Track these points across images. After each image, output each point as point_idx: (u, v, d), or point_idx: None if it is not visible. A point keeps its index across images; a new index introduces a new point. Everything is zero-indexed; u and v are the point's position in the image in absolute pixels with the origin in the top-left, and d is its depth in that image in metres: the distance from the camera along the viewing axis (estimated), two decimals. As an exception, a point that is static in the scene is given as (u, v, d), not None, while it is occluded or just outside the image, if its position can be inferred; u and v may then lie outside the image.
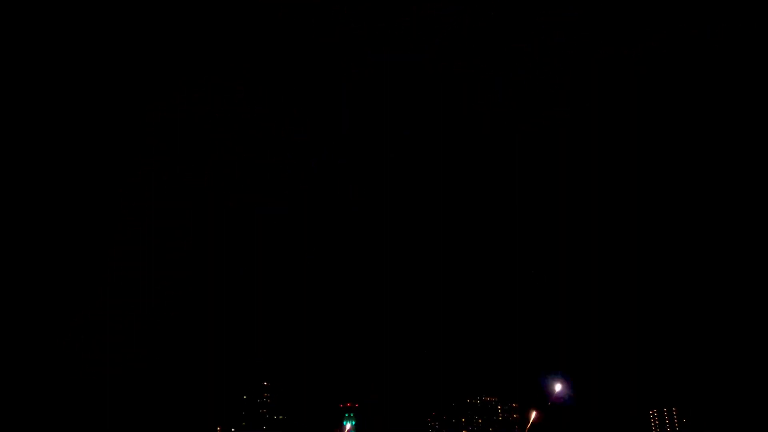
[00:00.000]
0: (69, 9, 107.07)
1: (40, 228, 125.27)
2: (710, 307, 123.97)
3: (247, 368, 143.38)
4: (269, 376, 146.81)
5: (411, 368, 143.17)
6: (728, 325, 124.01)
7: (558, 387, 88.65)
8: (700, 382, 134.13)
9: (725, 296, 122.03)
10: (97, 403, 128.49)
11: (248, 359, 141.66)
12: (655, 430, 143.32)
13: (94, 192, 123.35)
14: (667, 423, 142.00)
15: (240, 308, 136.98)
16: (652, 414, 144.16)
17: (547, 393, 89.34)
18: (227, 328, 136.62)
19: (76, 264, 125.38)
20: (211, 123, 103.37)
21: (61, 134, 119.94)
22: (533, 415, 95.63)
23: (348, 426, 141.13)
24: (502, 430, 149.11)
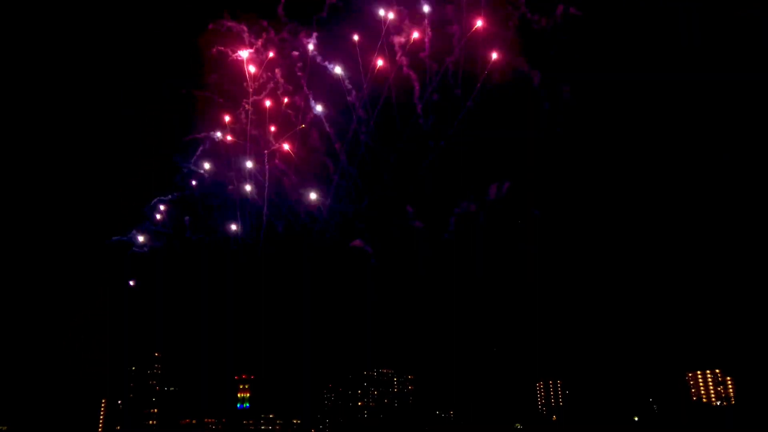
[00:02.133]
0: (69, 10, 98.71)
1: (40, 228, 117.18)
2: (591, 293, 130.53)
3: (136, 338, 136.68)
4: (160, 346, 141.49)
5: (308, 340, 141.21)
6: (607, 309, 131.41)
7: None
8: (582, 358, 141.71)
9: (606, 285, 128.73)
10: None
11: (139, 329, 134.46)
12: (541, 400, 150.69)
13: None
14: (552, 394, 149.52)
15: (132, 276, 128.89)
16: (539, 386, 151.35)
17: None
18: (118, 296, 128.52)
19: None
20: (210, 122, 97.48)
21: (62, 135, 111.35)
22: None
23: None
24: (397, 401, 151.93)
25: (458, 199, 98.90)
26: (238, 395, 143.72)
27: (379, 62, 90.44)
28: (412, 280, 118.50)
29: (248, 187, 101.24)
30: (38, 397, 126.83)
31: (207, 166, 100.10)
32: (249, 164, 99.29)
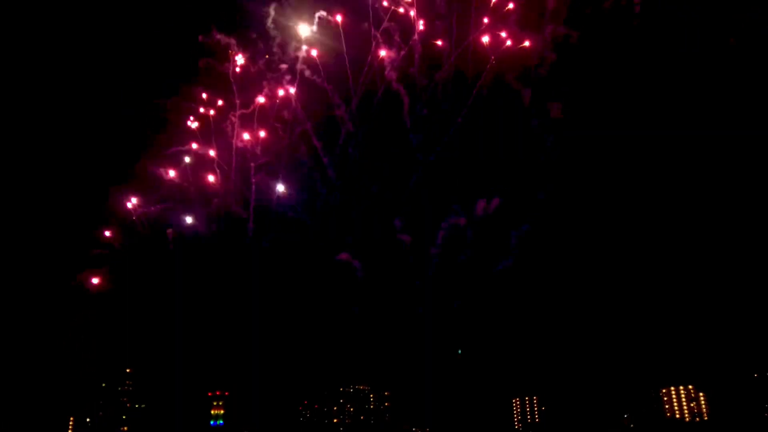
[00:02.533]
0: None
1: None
2: (566, 308, 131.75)
3: (107, 353, 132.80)
4: (132, 362, 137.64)
5: (282, 356, 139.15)
6: (582, 324, 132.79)
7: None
8: (557, 375, 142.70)
9: (581, 300, 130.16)
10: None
11: (110, 343, 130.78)
12: (517, 417, 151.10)
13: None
14: (528, 410, 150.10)
15: (101, 288, 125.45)
16: (515, 402, 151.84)
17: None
18: (86, 309, 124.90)
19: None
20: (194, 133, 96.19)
21: (60, 134, 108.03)
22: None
23: None
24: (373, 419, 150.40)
25: (446, 214, 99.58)
26: (212, 412, 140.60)
27: (371, 69, 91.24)
28: (396, 293, 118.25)
29: (211, 178, 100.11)
30: (2, 414, 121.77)
31: (191, 177, 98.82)
32: (212, 153, 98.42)
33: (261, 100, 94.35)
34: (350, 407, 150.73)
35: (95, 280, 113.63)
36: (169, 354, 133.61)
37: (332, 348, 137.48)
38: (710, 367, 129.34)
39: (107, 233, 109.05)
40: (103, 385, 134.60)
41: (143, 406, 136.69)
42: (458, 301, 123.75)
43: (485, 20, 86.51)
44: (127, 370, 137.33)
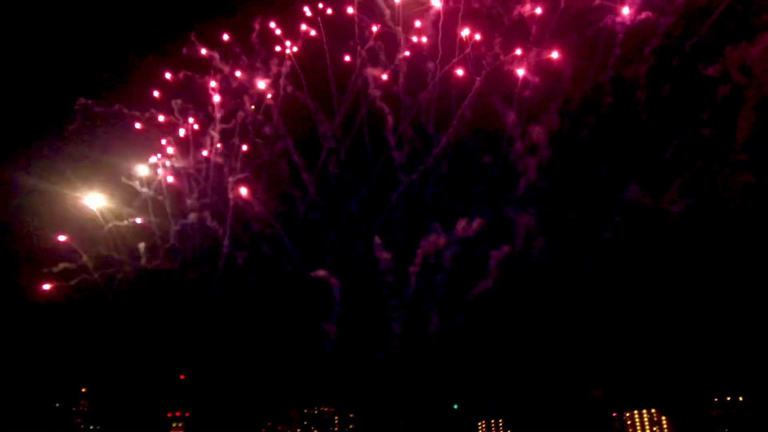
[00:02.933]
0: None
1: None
2: (530, 331, 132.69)
3: (61, 372, 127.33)
4: (87, 381, 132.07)
5: (245, 377, 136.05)
6: (546, 347, 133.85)
7: None
8: (523, 397, 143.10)
9: (544, 323, 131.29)
10: None
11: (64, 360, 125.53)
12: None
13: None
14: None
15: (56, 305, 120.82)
16: (481, 425, 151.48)
17: None
18: (39, 325, 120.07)
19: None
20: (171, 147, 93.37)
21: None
22: None
23: None
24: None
25: (426, 233, 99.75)
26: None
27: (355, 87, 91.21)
28: (367, 313, 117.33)
29: (171, 178, 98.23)
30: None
31: (166, 191, 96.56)
32: (170, 150, 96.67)
33: (242, 114, 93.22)
34: (315, 429, 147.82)
35: (47, 287, 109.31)
36: (126, 372, 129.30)
37: (297, 368, 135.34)
38: (673, 391, 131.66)
39: (64, 240, 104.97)
40: (57, 405, 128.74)
41: (98, 427, 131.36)
42: (430, 321, 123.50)
43: (476, 37, 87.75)
44: (83, 390, 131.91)
